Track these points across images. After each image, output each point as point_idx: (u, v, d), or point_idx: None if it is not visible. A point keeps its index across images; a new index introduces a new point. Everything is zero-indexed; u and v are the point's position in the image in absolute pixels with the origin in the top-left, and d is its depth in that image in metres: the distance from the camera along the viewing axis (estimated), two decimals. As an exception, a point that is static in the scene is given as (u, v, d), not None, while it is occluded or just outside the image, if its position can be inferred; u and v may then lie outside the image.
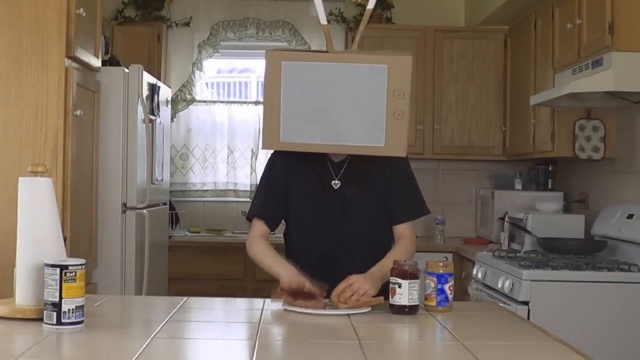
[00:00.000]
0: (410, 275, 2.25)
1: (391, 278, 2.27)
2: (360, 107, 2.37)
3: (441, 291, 2.30)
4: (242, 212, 5.52)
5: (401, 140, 2.41)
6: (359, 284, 2.32)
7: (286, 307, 2.30)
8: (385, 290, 2.33)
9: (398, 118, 2.38)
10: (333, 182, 2.57)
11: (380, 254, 2.52)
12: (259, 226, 2.62)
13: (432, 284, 2.30)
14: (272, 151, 2.66)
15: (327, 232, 2.57)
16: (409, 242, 2.59)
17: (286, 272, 2.42)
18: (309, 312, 2.26)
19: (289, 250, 2.69)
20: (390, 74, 2.35)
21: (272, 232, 2.67)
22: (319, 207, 2.58)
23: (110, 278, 3.99)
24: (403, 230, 2.60)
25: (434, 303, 2.30)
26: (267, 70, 2.38)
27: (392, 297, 2.26)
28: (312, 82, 2.36)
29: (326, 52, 2.39)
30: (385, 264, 2.44)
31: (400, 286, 2.24)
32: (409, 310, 2.25)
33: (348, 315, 2.24)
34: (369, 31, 5.29)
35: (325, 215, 2.57)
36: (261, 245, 2.58)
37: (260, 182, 2.70)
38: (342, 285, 2.33)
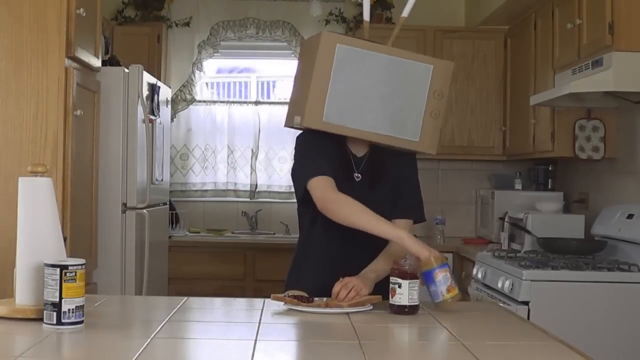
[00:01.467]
0: (410, 275, 2.25)
1: (391, 278, 2.26)
2: (403, 101, 2.48)
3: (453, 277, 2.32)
4: (243, 212, 5.54)
5: (434, 138, 2.53)
6: (353, 282, 2.34)
7: (290, 307, 2.30)
8: (385, 290, 2.33)
9: (434, 117, 2.50)
10: (355, 174, 2.60)
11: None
12: (329, 182, 2.43)
13: (449, 274, 2.29)
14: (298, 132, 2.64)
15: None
16: None
17: (413, 243, 2.32)
18: (309, 311, 2.26)
19: (307, 243, 2.67)
20: (434, 74, 2.49)
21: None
22: None
23: (110, 278, 3.99)
24: (401, 227, 2.59)
25: (455, 292, 2.28)
26: (320, 50, 2.43)
27: (392, 297, 2.26)
28: (362, 69, 2.45)
29: (379, 43, 2.46)
30: (378, 265, 2.48)
31: (400, 286, 2.24)
32: (409, 310, 2.24)
33: (348, 314, 2.24)
34: (369, 31, 5.31)
35: None
36: (350, 199, 2.41)
37: (307, 151, 2.54)
38: (337, 287, 2.33)
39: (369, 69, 2.46)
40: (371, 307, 2.30)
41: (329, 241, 2.59)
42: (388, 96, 2.48)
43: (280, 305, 2.32)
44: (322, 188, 2.43)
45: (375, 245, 2.53)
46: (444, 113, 2.53)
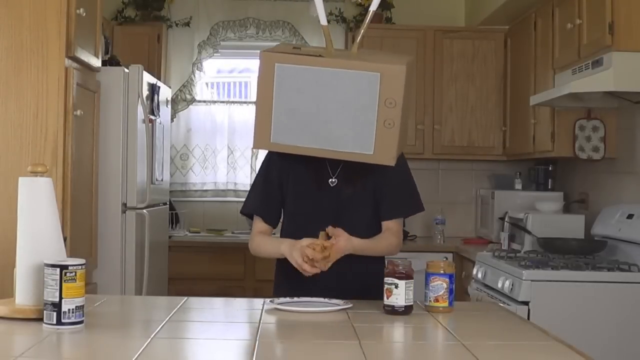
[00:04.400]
0: (407, 275, 2.25)
1: (387, 279, 2.26)
2: (351, 114, 2.36)
3: (451, 291, 2.31)
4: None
5: (390, 149, 2.39)
6: (341, 247, 2.39)
7: (278, 307, 2.30)
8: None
9: (388, 127, 2.36)
10: (330, 180, 2.59)
11: None
12: (259, 224, 2.65)
13: (445, 285, 2.30)
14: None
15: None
16: (396, 235, 2.62)
17: (286, 246, 2.46)
18: (306, 311, 2.26)
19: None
20: (383, 82, 2.32)
21: (274, 228, 2.70)
22: (316, 205, 2.60)
23: (110, 278, 3.99)
24: (389, 225, 2.63)
25: (445, 304, 2.30)
26: (261, 71, 2.38)
27: (388, 298, 2.26)
28: (304, 86, 2.35)
29: (320, 56, 2.39)
30: (369, 242, 2.52)
31: (397, 287, 2.24)
32: (405, 310, 2.25)
33: (347, 313, 2.24)
34: (369, 31, 5.29)
35: (323, 213, 2.59)
36: (259, 238, 2.63)
37: (257, 177, 2.70)
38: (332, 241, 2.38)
39: (311, 85, 2.35)
40: (351, 305, 2.32)
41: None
42: (335, 110, 2.36)
43: (279, 306, 2.32)
44: (252, 231, 2.69)
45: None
46: (399, 121, 2.36)
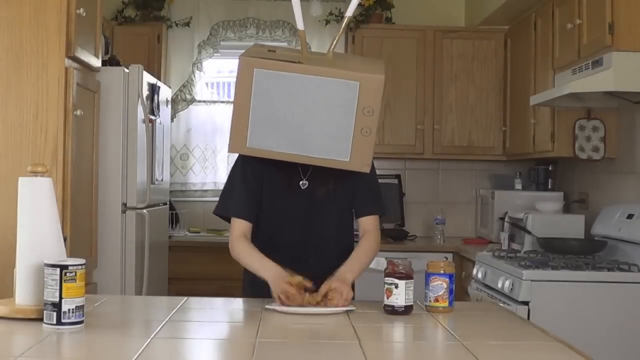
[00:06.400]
0: (407, 275, 2.26)
1: (387, 279, 2.27)
2: (329, 121, 2.37)
3: (451, 291, 2.31)
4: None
5: (366, 156, 2.43)
6: (342, 288, 2.34)
7: (278, 308, 2.30)
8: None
9: (365, 135, 2.39)
10: (301, 182, 2.60)
11: (346, 251, 2.57)
12: (240, 225, 2.60)
13: (445, 285, 2.31)
14: None
15: (294, 231, 2.61)
16: (373, 237, 2.62)
17: (271, 274, 2.42)
18: (306, 312, 2.26)
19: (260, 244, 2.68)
20: (362, 91, 2.34)
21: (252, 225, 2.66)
22: (287, 207, 2.61)
23: (110, 278, 3.99)
24: (367, 225, 2.64)
25: (446, 304, 2.31)
26: (239, 75, 2.37)
27: (387, 298, 2.27)
28: (282, 92, 2.36)
29: (300, 62, 2.38)
30: (354, 266, 2.49)
31: (397, 287, 2.25)
32: (405, 310, 2.25)
33: (347, 313, 2.24)
34: (369, 31, 5.34)
35: (293, 215, 2.61)
36: (243, 246, 2.58)
37: (233, 178, 2.65)
38: (324, 289, 2.34)
39: (290, 91, 2.35)
40: (354, 308, 2.32)
41: (285, 242, 2.60)
42: (313, 117, 2.37)
43: (279, 306, 2.32)
44: (233, 233, 2.59)
45: (323, 243, 2.61)
46: (376, 129, 2.40)
